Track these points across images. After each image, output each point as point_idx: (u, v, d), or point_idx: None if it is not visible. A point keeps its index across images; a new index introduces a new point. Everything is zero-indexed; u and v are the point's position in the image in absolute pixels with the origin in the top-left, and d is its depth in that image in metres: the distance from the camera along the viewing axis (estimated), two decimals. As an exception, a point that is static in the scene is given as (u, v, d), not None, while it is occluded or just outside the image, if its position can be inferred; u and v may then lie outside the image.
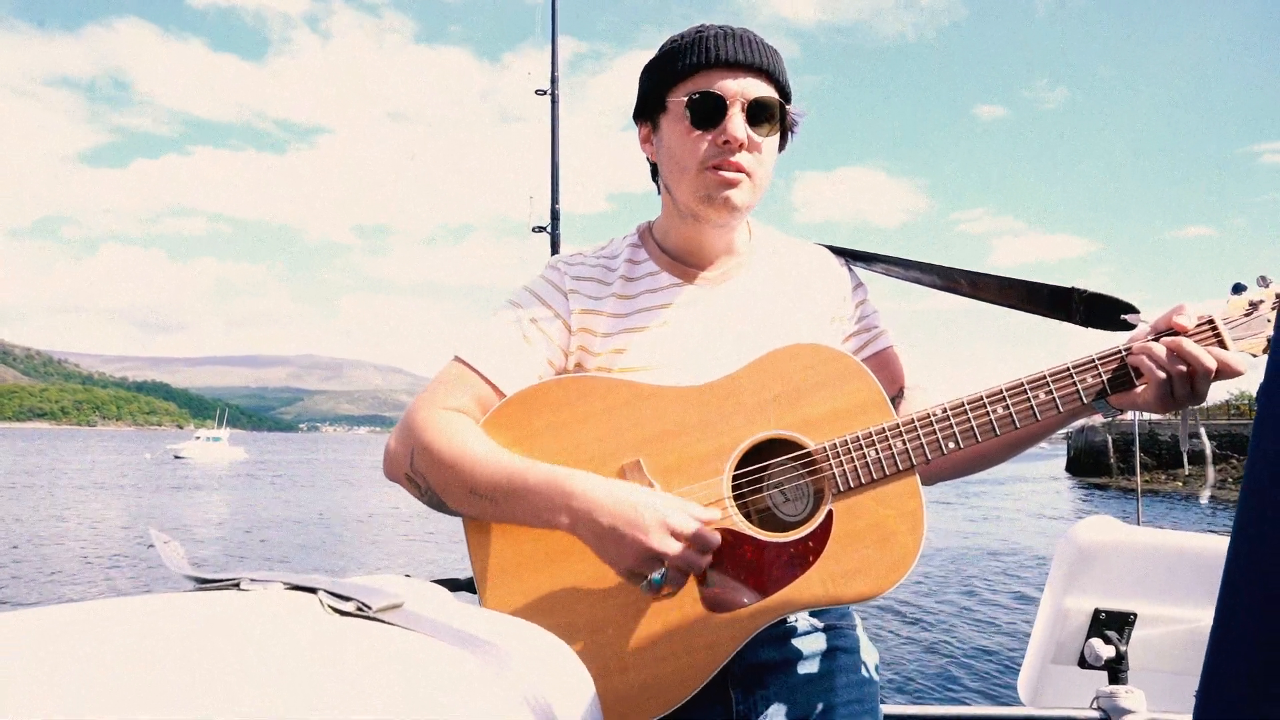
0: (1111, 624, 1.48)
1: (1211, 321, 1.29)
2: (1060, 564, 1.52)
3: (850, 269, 1.62)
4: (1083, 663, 1.50)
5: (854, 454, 1.31)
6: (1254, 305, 1.29)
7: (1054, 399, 1.31)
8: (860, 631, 1.54)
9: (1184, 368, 1.25)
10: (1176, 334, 1.28)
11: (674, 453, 1.34)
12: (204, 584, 0.65)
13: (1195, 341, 1.27)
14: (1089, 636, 1.49)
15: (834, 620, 1.50)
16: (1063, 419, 1.33)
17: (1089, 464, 47.11)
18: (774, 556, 1.30)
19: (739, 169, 1.39)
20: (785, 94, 1.44)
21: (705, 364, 1.42)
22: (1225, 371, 1.25)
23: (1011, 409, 1.31)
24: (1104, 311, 1.38)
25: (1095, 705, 1.45)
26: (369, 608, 0.59)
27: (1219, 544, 1.48)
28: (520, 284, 1.55)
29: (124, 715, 0.42)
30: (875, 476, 1.31)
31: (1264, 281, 1.30)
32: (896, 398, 1.52)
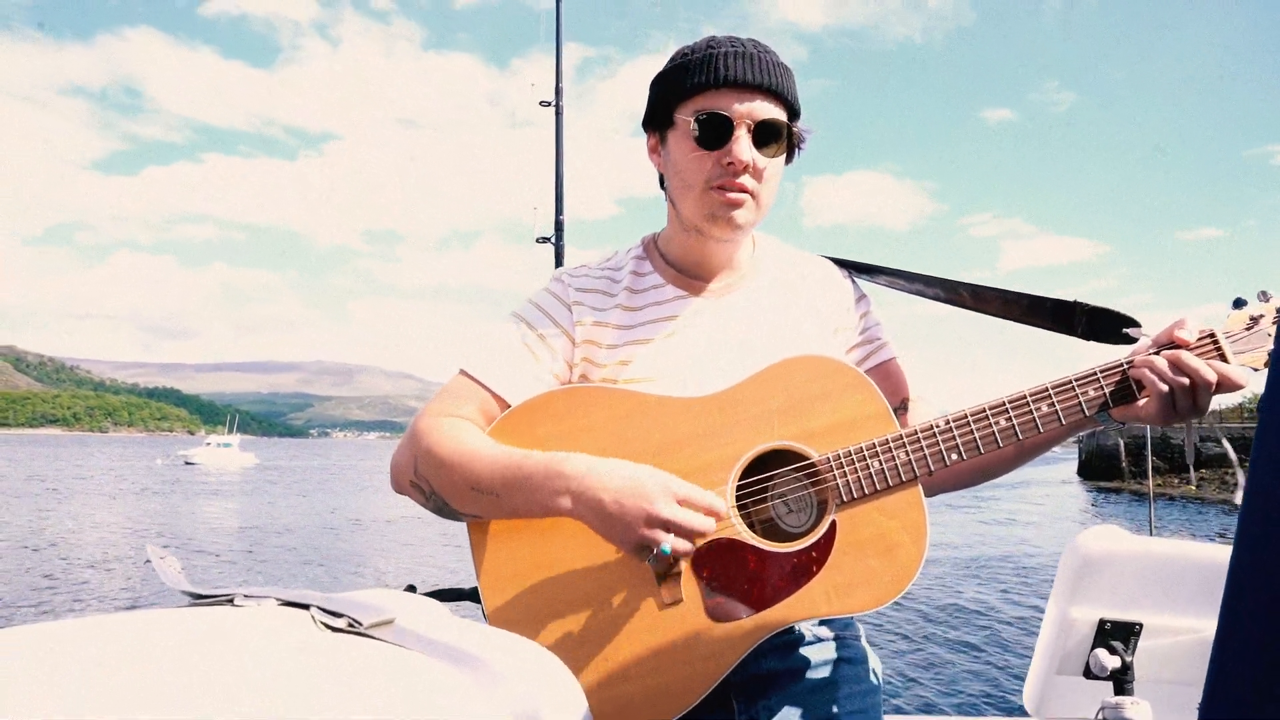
0: (1117, 634, 1.47)
1: (1213, 335, 1.29)
2: (1065, 573, 1.51)
3: (853, 281, 1.62)
4: (1088, 673, 1.49)
5: (857, 465, 1.31)
6: (1255, 320, 1.29)
7: (1056, 411, 1.31)
8: (864, 641, 1.54)
9: (1185, 381, 1.25)
10: (1178, 347, 1.28)
11: (678, 463, 1.35)
12: (198, 599, 0.66)
13: (1196, 355, 1.27)
14: (1094, 647, 1.48)
15: (838, 630, 1.50)
16: (1065, 431, 1.33)
17: (1101, 468, 46.87)
18: (777, 567, 1.30)
19: (743, 190, 1.39)
20: (794, 111, 1.44)
21: (709, 375, 1.43)
22: (1226, 385, 1.25)
23: (1014, 420, 1.31)
24: (1106, 325, 1.39)
25: (1100, 716, 1.44)
26: (360, 624, 0.59)
27: (1225, 553, 1.47)
28: (525, 296, 1.56)
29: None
30: (878, 487, 1.31)
31: (1264, 296, 1.31)
32: (899, 409, 1.52)
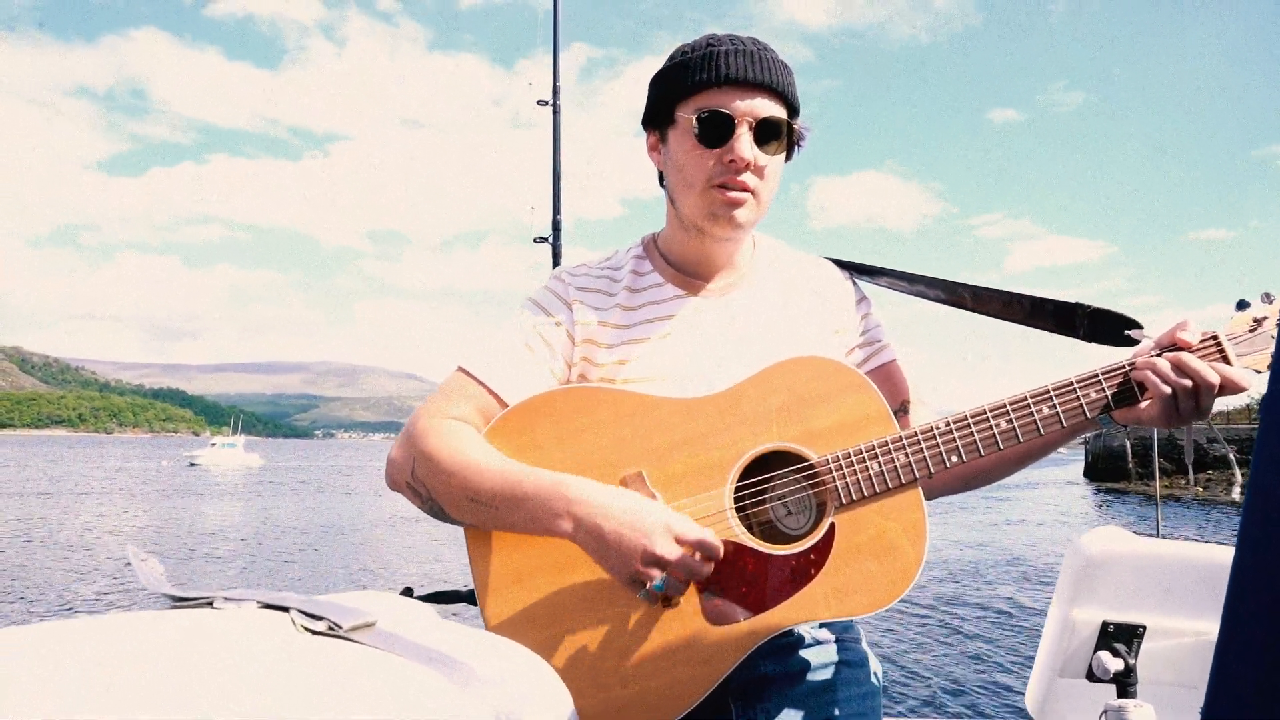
0: (1120, 636, 1.46)
1: (1215, 337, 1.28)
2: (1067, 575, 1.51)
3: (854, 282, 1.61)
4: (1091, 676, 1.48)
5: (856, 466, 1.30)
6: (1258, 322, 1.28)
7: (1057, 413, 1.30)
8: (864, 644, 1.53)
9: (1188, 383, 1.24)
10: (1180, 349, 1.27)
11: (677, 464, 1.34)
12: (178, 602, 0.65)
13: (1199, 357, 1.26)
14: (1097, 649, 1.47)
15: (837, 633, 1.49)
16: (1066, 433, 1.32)
17: (1107, 469, 46.77)
18: (776, 569, 1.29)
19: (744, 188, 1.39)
20: (793, 109, 1.43)
21: (709, 375, 1.42)
22: (1229, 387, 1.24)
23: (1015, 423, 1.30)
24: (1108, 327, 1.38)
25: (1103, 719, 1.42)
26: (340, 627, 0.58)
27: (1227, 554, 1.46)
28: (525, 295, 1.55)
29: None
30: (878, 489, 1.30)
31: (1268, 298, 1.29)
32: (900, 411, 1.51)
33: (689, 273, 1.52)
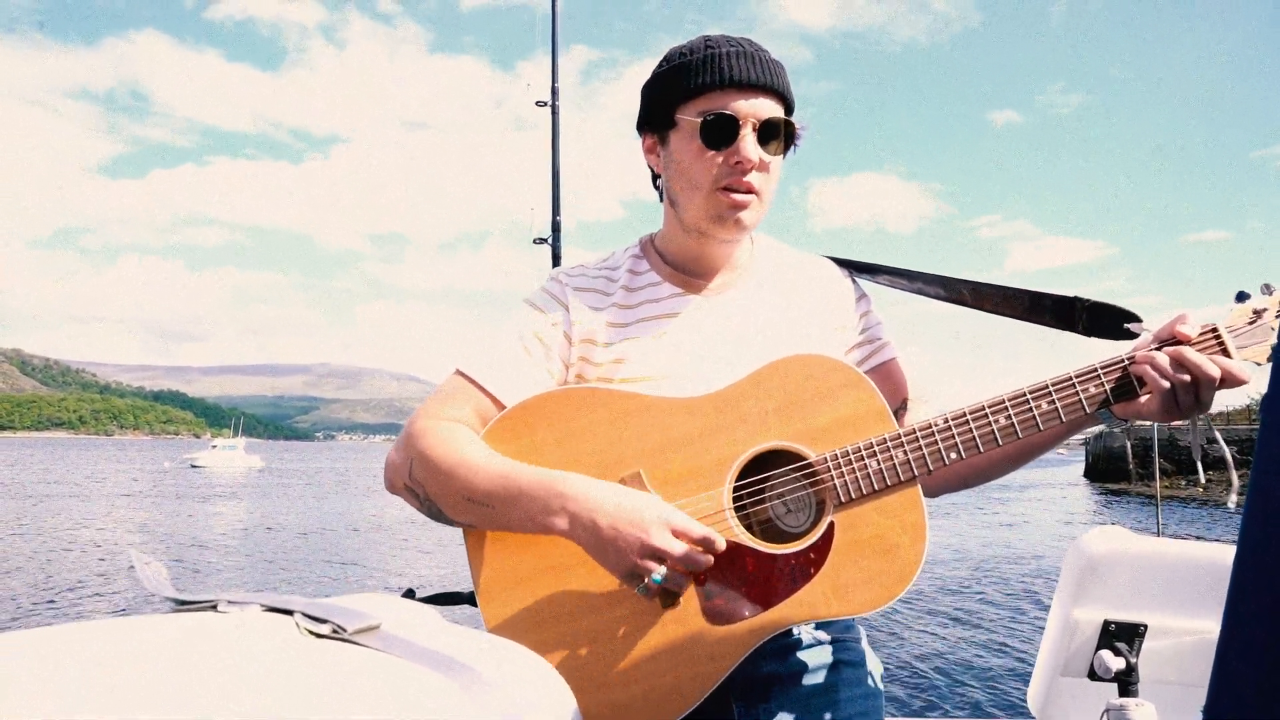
0: (1121, 635, 1.46)
1: (1215, 330, 1.27)
2: (1069, 574, 1.51)
3: (854, 280, 1.61)
4: (1092, 675, 1.48)
5: (855, 465, 1.30)
6: (1258, 313, 1.27)
7: (1057, 409, 1.29)
8: (864, 643, 1.53)
9: (1187, 377, 1.23)
10: (1180, 343, 1.26)
11: (675, 464, 1.34)
12: (182, 605, 0.65)
13: (1199, 350, 1.25)
14: (1099, 648, 1.47)
15: (838, 632, 1.49)
16: (1066, 429, 1.32)
17: (1107, 470, 46.76)
18: (775, 568, 1.29)
19: (749, 189, 1.39)
20: (790, 107, 1.44)
21: (707, 374, 1.42)
22: (1229, 380, 1.24)
23: (1014, 419, 1.30)
24: (1107, 321, 1.37)
25: (1105, 718, 1.43)
26: (344, 630, 0.58)
27: (1229, 554, 1.46)
28: (522, 296, 1.55)
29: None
30: (877, 487, 1.30)
31: (1268, 289, 1.29)
32: (900, 409, 1.51)
33: (687, 272, 1.52)
